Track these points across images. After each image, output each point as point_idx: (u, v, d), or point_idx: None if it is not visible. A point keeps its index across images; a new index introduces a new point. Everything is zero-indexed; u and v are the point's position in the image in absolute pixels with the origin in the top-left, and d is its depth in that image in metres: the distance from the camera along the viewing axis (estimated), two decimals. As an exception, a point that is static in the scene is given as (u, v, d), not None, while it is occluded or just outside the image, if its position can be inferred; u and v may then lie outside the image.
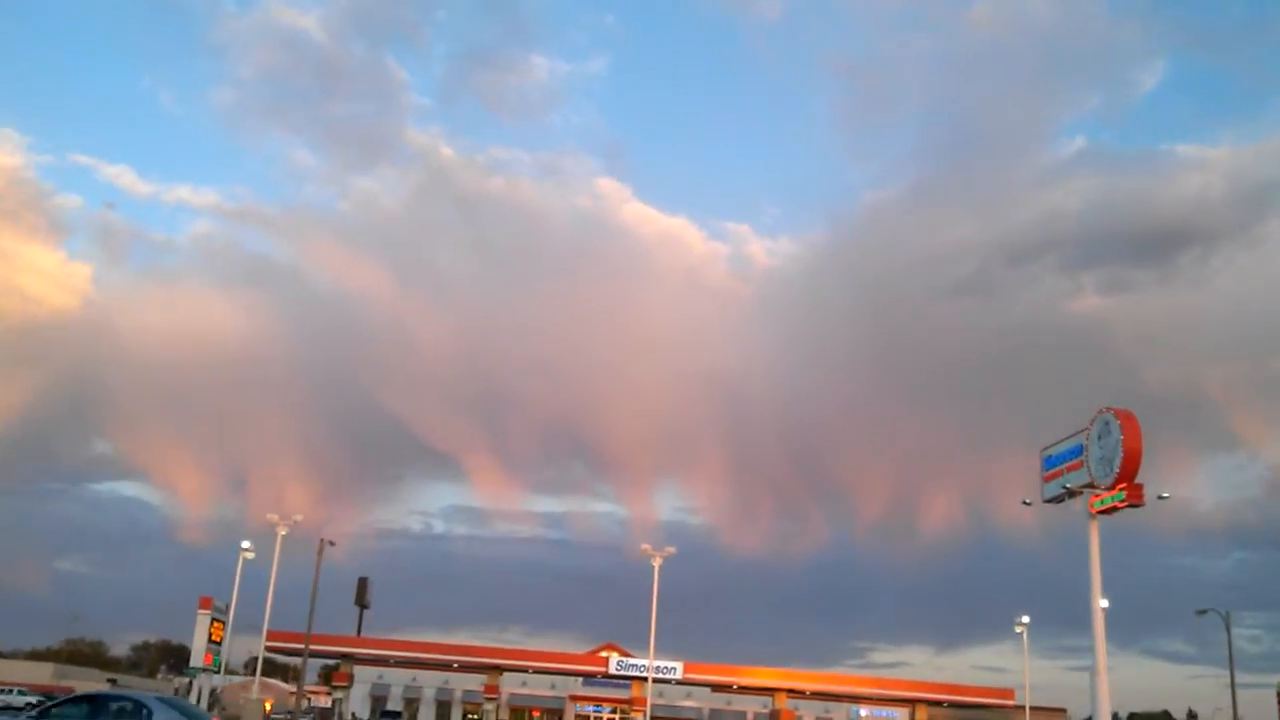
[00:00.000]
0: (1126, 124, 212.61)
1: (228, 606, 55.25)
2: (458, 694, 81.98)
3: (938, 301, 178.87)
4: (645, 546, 56.74)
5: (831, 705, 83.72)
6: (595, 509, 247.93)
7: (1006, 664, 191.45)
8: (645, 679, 66.86)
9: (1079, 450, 36.33)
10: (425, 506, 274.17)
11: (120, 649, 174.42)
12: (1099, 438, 35.01)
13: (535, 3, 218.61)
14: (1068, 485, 36.20)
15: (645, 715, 64.60)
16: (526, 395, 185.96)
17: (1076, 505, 36.49)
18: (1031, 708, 76.36)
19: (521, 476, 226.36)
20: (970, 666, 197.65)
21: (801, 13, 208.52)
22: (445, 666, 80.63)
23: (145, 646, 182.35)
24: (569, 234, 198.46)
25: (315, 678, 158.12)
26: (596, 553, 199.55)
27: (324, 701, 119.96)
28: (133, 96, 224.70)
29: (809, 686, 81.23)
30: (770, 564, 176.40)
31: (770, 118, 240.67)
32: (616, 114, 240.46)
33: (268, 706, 55.09)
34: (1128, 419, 33.79)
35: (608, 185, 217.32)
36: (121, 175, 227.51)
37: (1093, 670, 33.70)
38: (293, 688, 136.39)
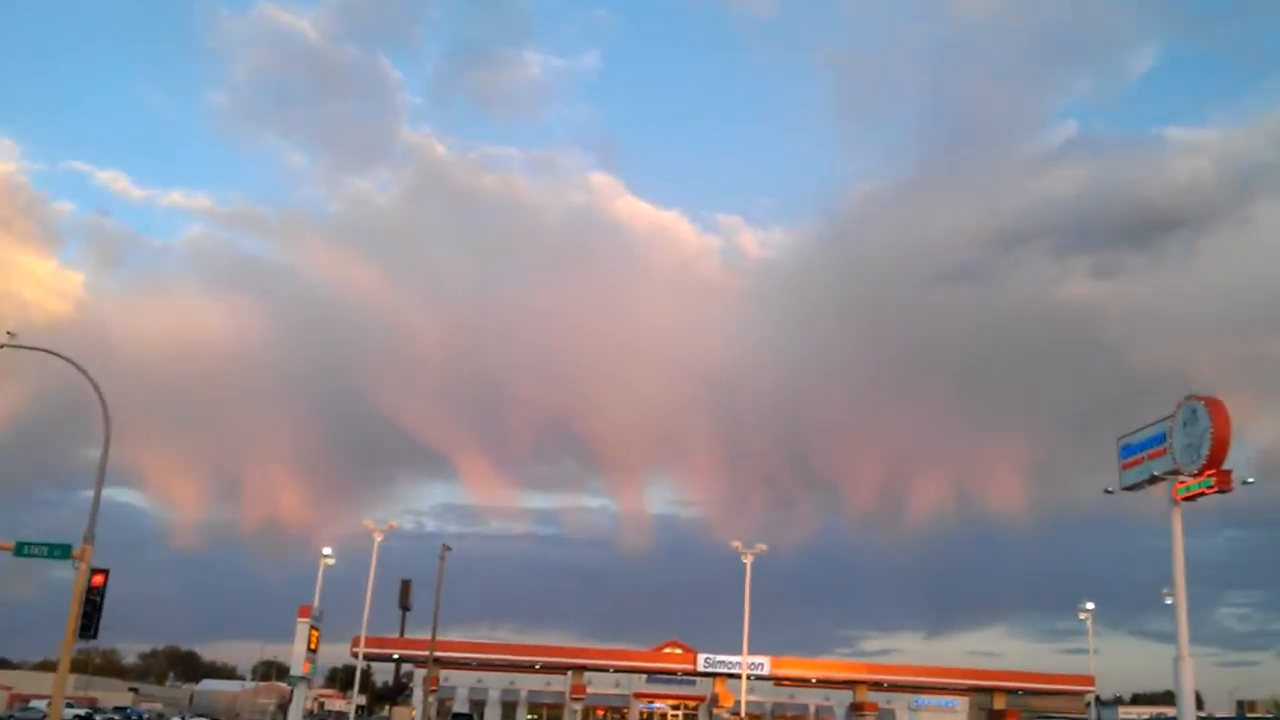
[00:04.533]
0: (1118, 108, 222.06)
1: (322, 615, 61.29)
2: (523, 694, 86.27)
3: (931, 290, 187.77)
4: (736, 544, 61.76)
5: (893, 696, 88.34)
6: (588, 504, 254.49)
7: (997, 648, 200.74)
8: (733, 675, 72.04)
9: (1161, 438, 39.25)
10: (416, 505, 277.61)
11: (129, 657, 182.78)
12: (1184, 425, 37.99)
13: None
14: (1155, 472, 39.18)
15: (739, 710, 68.87)
16: (519, 392, 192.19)
17: (1157, 492, 39.66)
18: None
19: (513, 474, 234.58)
20: (965, 652, 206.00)
21: (793, 4, 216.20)
22: (528, 668, 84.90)
23: (153, 654, 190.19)
24: (562, 230, 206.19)
25: (322, 680, 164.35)
26: (589, 548, 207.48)
27: (342, 705, 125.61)
28: (126, 102, 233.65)
29: (888, 679, 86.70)
30: (761, 555, 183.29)
31: (762, 109, 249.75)
32: (609, 108, 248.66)
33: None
34: (1217, 407, 36.88)
35: (601, 180, 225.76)
36: (115, 181, 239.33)
37: (1176, 656, 36.71)
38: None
